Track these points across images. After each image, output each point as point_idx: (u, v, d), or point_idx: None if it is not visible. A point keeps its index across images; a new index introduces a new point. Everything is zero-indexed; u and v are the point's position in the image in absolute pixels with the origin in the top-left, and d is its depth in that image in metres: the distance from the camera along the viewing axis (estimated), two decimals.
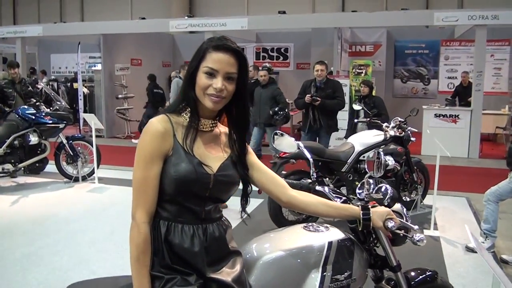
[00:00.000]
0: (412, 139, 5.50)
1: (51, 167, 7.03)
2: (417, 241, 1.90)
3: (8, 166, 6.56)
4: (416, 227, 1.78)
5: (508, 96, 10.84)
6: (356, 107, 6.09)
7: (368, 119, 5.95)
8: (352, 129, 7.43)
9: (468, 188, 6.84)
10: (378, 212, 1.80)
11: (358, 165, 5.22)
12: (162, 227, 1.58)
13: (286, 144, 2.61)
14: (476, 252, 4.36)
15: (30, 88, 7.51)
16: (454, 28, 12.49)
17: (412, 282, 2.16)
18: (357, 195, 2.20)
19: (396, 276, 2.09)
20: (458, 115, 9.73)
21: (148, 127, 1.58)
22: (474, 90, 9.56)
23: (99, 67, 12.63)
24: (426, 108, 9.93)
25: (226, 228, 1.71)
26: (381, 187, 2.08)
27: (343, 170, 5.09)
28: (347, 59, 12.90)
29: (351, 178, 5.15)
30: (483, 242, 4.39)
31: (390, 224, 1.77)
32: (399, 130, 5.41)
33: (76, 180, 7.01)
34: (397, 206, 2.09)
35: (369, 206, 1.82)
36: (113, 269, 3.88)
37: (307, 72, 13.64)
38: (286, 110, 7.51)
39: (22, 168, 6.73)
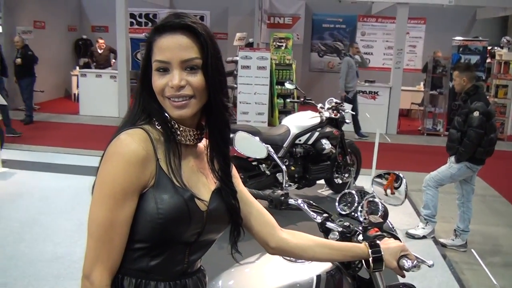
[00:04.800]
0: (347, 121, 5.32)
1: None
2: (413, 267, 1.58)
3: None
4: (431, 262, 1.45)
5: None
6: (289, 85, 5.76)
7: (302, 99, 5.67)
8: None
9: (392, 166, 6.85)
10: (391, 249, 1.40)
11: (294, 149, 4.94)
12: (128, 286, 1.11)
13: (254, 148, 2.19)
14: (417, 238, 4.31)
15: None
16: (371, 4, 12.58)
17: None
18: (338, 210, 1.86)
19: None
20: (377, 91, 9.85)
21: (121, 148, 1.08)
22: (394, 67, 9.71)
23: None
24: None
25: (206, 281, 1.28)
26: (372, 203, 1.73)
27: (279, 155, 4.77)
28: (266, 31, 12.56)
29: (287, 164, 4.86)
30: (424, 228, 4.34)
31: (407, 264, 1.40)
32: (334, 112, 5.21)
33: None
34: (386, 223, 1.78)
35: (378, 242, 1.44)
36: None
37: (224, 43, 13.08)
38: None
39: None
